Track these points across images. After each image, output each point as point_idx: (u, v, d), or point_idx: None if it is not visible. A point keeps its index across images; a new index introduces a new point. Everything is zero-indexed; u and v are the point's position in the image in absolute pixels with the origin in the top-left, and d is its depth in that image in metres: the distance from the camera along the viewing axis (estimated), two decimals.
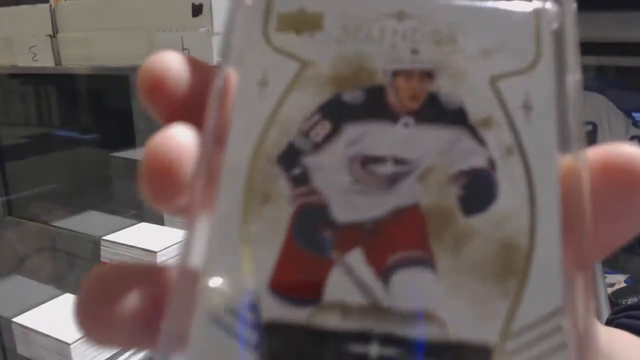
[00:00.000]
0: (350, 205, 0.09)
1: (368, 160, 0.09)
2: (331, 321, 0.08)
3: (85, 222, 0.71)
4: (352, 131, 0.09)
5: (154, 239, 0.62)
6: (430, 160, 0.09)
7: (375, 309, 0.08)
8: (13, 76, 0.89)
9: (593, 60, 1.43)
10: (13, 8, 0.82)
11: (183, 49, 0.70)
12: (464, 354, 0.08)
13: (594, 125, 1.39)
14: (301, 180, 0.09)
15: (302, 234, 0.09)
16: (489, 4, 0.10)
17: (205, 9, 0.69)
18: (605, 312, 0.64)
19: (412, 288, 0.09)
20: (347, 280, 0.09)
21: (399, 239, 0.09)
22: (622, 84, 1.41)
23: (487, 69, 0.10)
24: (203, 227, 0.09)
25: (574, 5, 0.10)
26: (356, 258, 0.09)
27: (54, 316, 0.54)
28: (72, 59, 0.77)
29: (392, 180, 0.09)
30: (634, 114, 1.37)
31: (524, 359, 0.08)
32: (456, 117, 0.09)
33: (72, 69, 0.78)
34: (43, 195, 0.80)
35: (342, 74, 0.10)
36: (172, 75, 0.10)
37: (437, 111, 0.09)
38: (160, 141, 0.09)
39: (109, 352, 0.54)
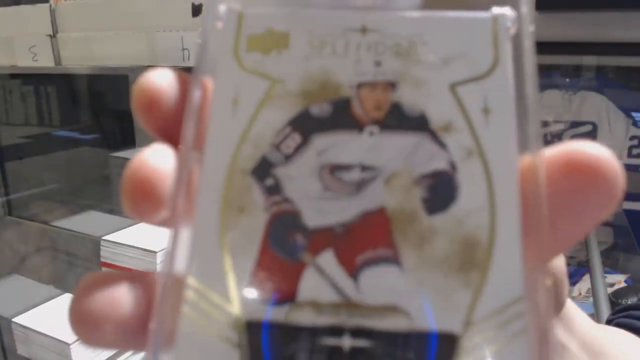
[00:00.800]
0: (321, 211, 0.10)
1: (336, 168, 0.10)
2: (306, 318, 0.09)
3: (85, 222, 0.71)
4: (320, 142, 0.10)
5: (154, 239, 0.62)
6: (394, 166, 0.10)
7: (347, 304, 0.09)
8: (13, 76, 0.89)
9: (593, 60, 1.43)
10: (13, 8, 0.82)
11: (183, 49, 0.70)
12: (428, 341, 0.09)
13: (594, 125, 1.39)
14: (274, 190, 0.10)
15: (277, 240, 0.09)
16: (448, 15, 0.10)
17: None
18: (606, 312, 0.64)
19: (379, 284, 0.09)
20: (320, 280, 0.09)
21: (367, 240, 0.09)
22: (622, 84, 1.41)
23: (447, 76, 0.10)
24: (184, 237, 0.10)
25: (531, 10, 0.10)
26: (328, 259, 0.09)
27: (54, 316, 0.54)
28: (72, 59, 0.77)
29: (360, 186, 0.10)
30: (634, 114, 1.37)
31: (486, 345, 0.09)
32: (418, 123, 0.10)
33: (72, 69, 0.78)
34: (43, 195, 0.80)
35: (310, 89, 0.10)
36: (163, 94, 0.10)
37: (400, 119, 0.10)
38: (139, 161, 0.10)
39: (109, 353, 0.54)
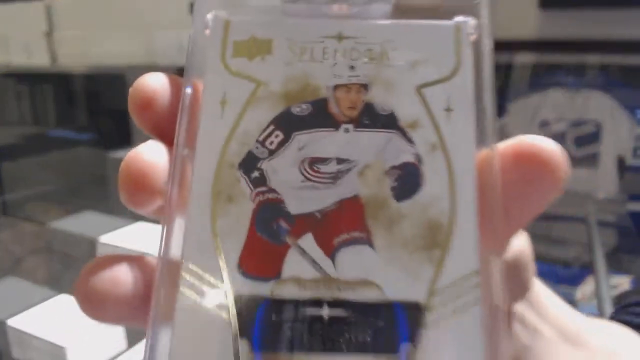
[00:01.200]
0: (302, 199, 0.11)
1: (315, 161, 0.11)
2: (290, 292, 0.10)
3: (82, 222, 0.70)
4: (301, 138, 0.11)
5: (151, 239, 0.61)
6: (367, 159, 0.11)
7: (325, 280, 0.10)
8: (8, 75, 0.88)
9: (596, 58, 1.41)
10: (7, 5, 0.81)
11: (180, 48, 0.69)
12: (397, 310, 0.10)
13: (598, 124, 1.37)
14: (260, 181, 0.11)
15: (263, 225, 0.11)
16: (415, 23, 0.12)
17: None
18: (609, 313, 0.64)
19: (354, 262, 0.10)
20: (301, 260, 0.10)
21: (343, 224, 0.11)
22: (626, 83, 1.40)
23: (413, 79, 0.11)
24: (179, 224, 0.11)
25: (490, 19, 0.12)
26: (308, 242, 0.11)
27: (50, 318, 0.53)
28: (68, 57, 0.76)
29: (336, 177, 0.11)
30: (639, 112, 1.36)
31: (447, 312, 0.10)
32: (388, 121, 0.11)
33: (68, 68, 0.77)
34: (38, 196, 0.79)
35: (291, 90, 0.11)
36: (157, 96, 0.11)
37: (372, 117, 0.11)
38: (133, 156, 0.11)
39: (106, 355, 0.54)
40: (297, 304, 0.10)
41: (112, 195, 0.79)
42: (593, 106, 1.40)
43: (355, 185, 0.11)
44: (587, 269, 0.92)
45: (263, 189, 0.11)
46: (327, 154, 0.11)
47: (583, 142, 1.40)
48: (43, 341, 0.51)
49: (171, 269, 0.10)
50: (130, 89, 0.11)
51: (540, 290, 0.19)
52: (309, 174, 0.11)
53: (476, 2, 0.12)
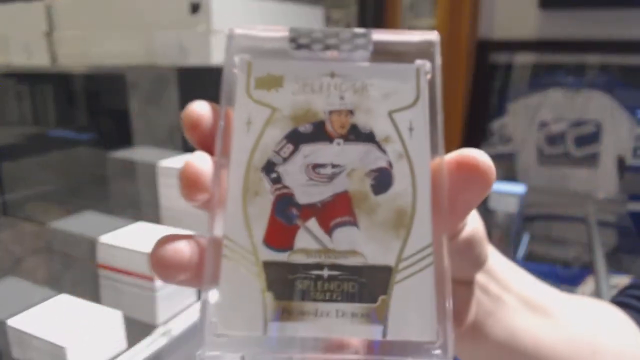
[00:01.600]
0: (307, 193, 0.15)
1: (316, 166, 0.15)
2: (300, 259, 0.15)
3: (82, 222, 0.70)
4: (306, 149, 0.15)
5: (151, 239, 0.61)
6: (353, 164, 0.15)
7: (325, 251, 0.15)
8: (8, 75, 0.88)
9: (597, 58, 1.41)
10: (7, 5, 0.81)
11: (181, 48, 0.69)
12: (375, 271, 0.14)
13: (598, 124, 1.37)
14: (277, 180, 0.15)
15: (280, 212, 0.15)
16: (387, 65, 0.16)
17: (203, 7, 0.68)
18: None
19: (345, 238, 0.15)
20: (308, 236, 0.15)
21: (336, 211, 0.15)
22: (626, 83, 1.39)
23: (386, 106, 0.16)
24: (220, 212, 0.15)
25: (440, 62, 0.16)
26: (312, 223, 0.15)
27: (50, 318, 0.53)
28: (68, 57, 0.76)
29: (331, 177, 0.15)
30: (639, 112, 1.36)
31: (409, 272, 0.14)
32: (368, 137, 0.16)
33: (68, 68, 0.77)
34: (38, 196, 0.79)
35: (297, 114, 0.16)
36: (202, 119, 0.15)
37: (357, 134, 0.16)
38: (189, 164, 0.15)
39: (106, 355, 0.54)
40: (305, 267, 0.14)
41: (112, 196, 0.79)
42: (593, 106, 1.40)
43: (345, 183, 0.15)
44: (587, 269, 0.92)
45: (279, 185, 0.15)
46: (325, 160, 0.15)
47: (583, 142, 1.40)
48: (43, 341, 0.51)
49: (216, 243, 0.14)
50: (183, 114, 0.16)
51: (505, 266, 0.23)
52: (312, 175, 0.15)
53: (431, 48, 0.16)
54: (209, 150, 0.15)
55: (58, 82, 0.85)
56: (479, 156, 0.15)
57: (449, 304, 0.14)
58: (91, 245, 0.61)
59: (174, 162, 0.68)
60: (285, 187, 0.15)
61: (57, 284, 0.64)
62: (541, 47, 1.46)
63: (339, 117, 0.15)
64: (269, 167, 0.15)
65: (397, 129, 0.15)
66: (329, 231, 0.15)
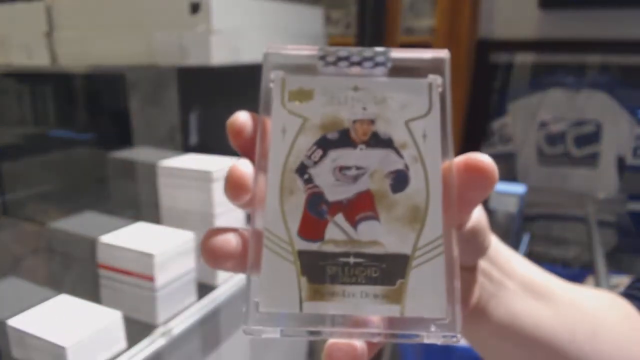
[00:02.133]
0: (335, 192, 0.17)
1: (342, 168, 0.17)
2: (329, 248, 0.17)
3: (82, 222, 0.70)
4: (333, 154, 0.18)
5: (152, 240, 0.61)
6: (374, 167, 0.17)
7: (351, 241, 0.17)
8: (8, 75, 0.88)
9: (597, 58, 1.41)
10: (8, 5, 0.81)
11: (181, 48, 0.69)
12: (394, 258, 0.16)
13: (598, 124, 1.37)
14: (309, 181, 0.17)
15: (312, 208, 0.17)
16: (403, 80, 0.18)
17: (203, 7, 0.68)
18: None
19: (368, 230, 0.17)
20: (336, 229, 0.17)
21: (360, 207, 0.17)
22: (626, 83, 1.39)
23: (403, 116, 0.18)
24: (260, 209, 0.17)
25: (449, 77, 0.18)
26: (340, 218, 0.17)
27: (50, 318, 0.53)
28: (68, 57, 0.76)
29: (356, 178, 0.17)
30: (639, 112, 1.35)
31: (423, 260, 0.16)
32: (387, 143, 0.18)
33: (68, 68, 0.77)
34: (39, 196, 0.79)
35: (326, 123, 0.18)
36: (243, 128, 0.18)
37: (377, 141, 0.18)
38: (234, 168, 0.17)
39: (106, 355, 0.54)
40: (334, 255, 0.17)
41: (112, 196, 0.79)
42: (593, 106, 1.40)
43: (367, 183, 0.17)
44: (587, 269, 0.92)
45: (311, 185, 0.17)
46: (350, 163, 0.17)
47: (583, 142, 1.40)
48: (43, 341, 0.51)
49: (257, 235, 0.17)
50: (228, 123, 0.18)
51: (508, 254, 0.24)
52: (338, 176, 0.17)
53: (442, 65, 0.18)
54: (249, 153, 0.18)
55: (58, 82, 0.85)
56: (484, 159, 0.17)
57: (457, 287, 0.16)
58: (91, 245, 0.61)
59: (174, 162, 0.68)
60: (316, 186, 0.17)
61: (57, 284, 0.64)
62: (541, 47, 1.46)
63: (362, 126, 0.18)
64: (301, 170, 0.17)
65: (412, 136, 0.18)
66: (354, 224, 0.17)
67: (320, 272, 0.16)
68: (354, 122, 0.18)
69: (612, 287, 0.82)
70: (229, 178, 0.17)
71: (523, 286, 0.24)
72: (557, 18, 1.41)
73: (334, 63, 0.18)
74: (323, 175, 0.17)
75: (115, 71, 0.73)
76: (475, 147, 1.50)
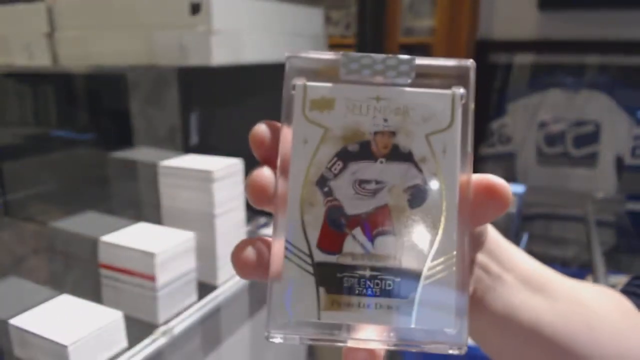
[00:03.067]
0: (354, 206, 0.18)
1: (362, 182, 0.18)
2: (347, 261, 0.17)
3: (83, 222, 0.70)
4: (353, 166, 0.18)
5: (153, 239, 0.61)
6: (394, 181, 0.18)
7: (368, 255, 0.17)
8: (9, 75, 0.88)
9: (596, 59, 1.42)
10: (9, 7, 0.81)
11: (181, 48, 0.69)
12: (407, 273, 0.17)
13: (597, 125, 1.38)
14: (329, 193, 0.18)
15: (331, 221, 0.18)
16: (426, 91, 0.18)
17: (203, 8, 0.68)
18: None
19: (385, 245, 0.17)
20: (354, 242, 0.17)
21: (378, 221, 0.18)
22: (625, 83, 1.39)
23: (424, 129, 0.18)
24: (282, 219, 0.18)
25: (474, 87, 0.18)
26: (358, 232, 0.18)
27: (52, 318, 0.53)
28: (69, 58, 0.76)
29: (374, 192, 0.18)
30: (639, 113, 1.36)
31: (435, 276, 0.17)
32: (407, 157, 0.18)
33: (69, 68, 0.77)
34: (40, 196, 0.79)
35: (347, 134, 0.18)
36: (265, 137, 0.18)
37: (397, 154, 0.18)
38: (256, 175, 0.18)
39: (107, 354, 0.54)
40: (351, 267, 0.17)
41: (113, 196, 0.79)
42: (592, 106, 1.40)
43: (386, 198, 0.18)
44: (586, 268, 0.93)
45: (330, 198, 0.18)
46: (369, 177, 0.18)
47: (582, 142, 1.40)
48: (45, 340, 0.51)
49: (278, 246, 0.17)
50: (250, 134, 0.18)
51: (506, 248, 0.25)
52: (358, 189, 0.18)
53: (467, 73, 0.18)
54: (271, 161, 0.18)
55: (59, 82, 0.85)
56: (500, 182, 0.18)
57: (466, 301, 0.17)
58: (92, 245, 0.61)
59: (175, 162, 0.68)
60: (335, 199, 0.18)
61: (59, 284, 0.65)
62: (540, 48, 1.46)
63: (383, 138, 0.18)
64: (322, 182, 0.18)
65: (432, 150, 0.18)
66: (371, 239, 0.18)
67: (337, 283, 0.17)
68: (375, 134, 0.18)
69: (610, 287, 0.82)
70: (251, 184, 0.18)
71: (521, 280, 0.24)
72: (556, 19, 1.42)
73: (357, 71, 0.18)
74: (343, 188, 0.18)
75: (116, 71, 0.73)
76: (475, 148, 1.50)
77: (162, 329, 0.60)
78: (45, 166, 0.82)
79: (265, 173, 0.18)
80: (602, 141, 1.38)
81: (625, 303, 0.29)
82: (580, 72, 1.44)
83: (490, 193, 0.18)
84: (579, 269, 1.00)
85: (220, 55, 0.70)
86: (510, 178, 1.43)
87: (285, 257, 0.17)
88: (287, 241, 0.17)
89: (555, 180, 1.41)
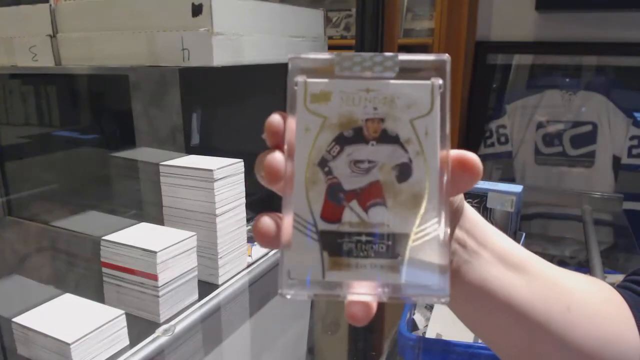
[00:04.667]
0: (350, 182, 0.20)
1: (356, 162, 0.21)
2: (346, 228, 0.20)
3: (86, 222, 0.71)
4: (349, 149, 0.21)
5: (154, 239, 0.62)
6: (383, 160, 0.20)
7: (363, 223, 0.20)
8: (13, 76, 0.88)
9: (593, 60, 1.43)
10: (13, 8, 0.82)
11: (183, 49, 0.70)
12: (397, 237, 0.20)
13: (594, 125, 1.39)
14: (329, 173, 0.20)
15: (332, 195, 0.20)
16: (408, 82, 0.21)
17: (205, 9, 0.69)
18: None
19: (377, 214, 0.20)
20: (351, 213, 0.20)
21: (371, 195, 0.20)
22: (622, 84, 1.40)
23: (408, 115, 0.21)
24: (289, 195, 0.20)
25: (450, 78, 0.21)
26: (354, 204, 0.20)
27: (54, 316, 0.53)
28: (72, 59, 0.77)
29: (367, 170, 0.20)
30: (635, 114, 1.37)
31: (421, 238, 0.20)
32: (394, 139, 0.21)
33: (72, 69, 0.78)
34: (43, 196, 0.79)
35: (342, 122, 0.21)
36: (281, 127, 0.21)
37: (386, 137, 0.21)
38: (270, 158, 0.21)
39: (109, 352, 0.54)
40: (350, 234, 0.20)
41: (115, 195, 0.79)
42: (589, 107, 1.41)
43: (377, 175, 0.20)
44: (583, 268, 0.93)
45: (330, 176, 0.20)
46: (363, 157, 0.20)
47: (579, 142, 1.41)
48: (48, 338, 0.51)
49: (288, 218, 0.20)
50: (266, 123, 0.21)
51: (485, 226, 0.27)
52: (353, 168, 0.20)
53: (443, 66, 0.21)
54: (280, 149, 0.21)
55: (62, 83, 0.86)
56: (472, 156, 0.21)
57: (448, 259, 0.20)
58: (95, 244, 0.61)
59: (176, 161, 0.69)
60: (334, 177, 0.20)
61: (62, 283, 0.65)
62: (538, 49, 1.47)
63: (373, 124, 0.21)
64: (322, 163, 0.20)
65: (416, 133, 0.20)
66: (365, 209, 0.20)
67: (338, 247, 0.20)
68: (366, 120, 0.21)
69: None
70: (267, 167, 0.20)
71: (498, 257, 0.26)
72: (553, 20, 1.43)
73: (349, 68, 0.21)
74: (340, 168, 0.20)
75: (118, 72, 0.74)
76: (474, 147, 1.51)
77: (163, 327, 0.60)
78: (47, 166, 0.82)
79: (277, 157, 0.20)
80: (599, 141, 1.39)
81: (613, 293, 0.30)
82: (577, 73, 1.45)
83: (463, 166, 0.21)
84: (576, 268, 1.00)
85: (222, 56, 0.71)
86: (509, 178, 1.44)
87: (294, 227, 0.20)
88: (295, 214, 0.20)
89: (553, 180, 1.42)
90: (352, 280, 0.20)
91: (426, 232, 0.20)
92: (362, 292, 0.20)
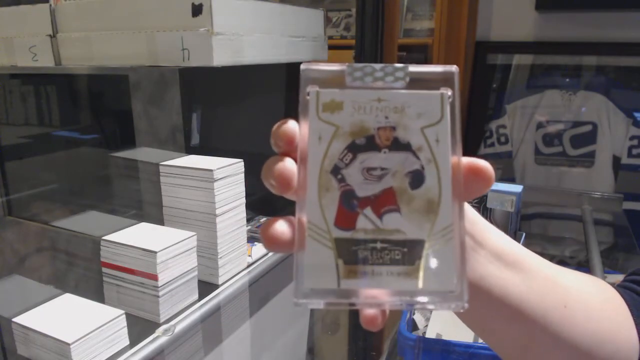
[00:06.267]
0: (364, 189, 0.20)
1: (369, 169, 0.21)
2: (360, 235, 0.20)
3: (85, 222, 0.71)
4: (361, 157, 0.21)
5: (154, 239, 0.62)
6: (396, 167, 0.21)
7: (377, 230, 0.20)
8: (13, 76, 0.88)
9: (593, 60, 1.43)
10: (13, 8, 0.82)
11: (183, 49, 0.70)
12: (413, 243, 0.20)
13: (594, 125, 1.39)
14: (342, 180, 0.21)
15: (345, 202, 0.20)
16: (419, 92, 0.21)
17: (205, 9, 0.69)
18: None
19: (391, 220, 0.20)
20: (365, 220, 0.20)
21: (385, 202, 0.20)
22: (622, 84, 1.40)
23: (419, 124, 0.21)
24: (302, 202, 0.20)
25: (459, 89, 0.22)
26: (368, 211, 0.20)
27: (54, 316, 0.53)
28: (72, 59, 0.77)
29: (380, 177, 0.21)
30: (635, 114, 1.37)
31: (436, 244, 0.20)
32: (406, 147, 0.21)
33: (72, 69, 0.78)
34: (43, 196, 0.79)
35: (354, 130, 0.21)
36: (296, 135, 0.21)
37: (398, 145, 0.21)
38: (281, 166, 0.21)
39: (109, 352, 0.54)
40: (364, 241, 0.20)
41: (115, 195, 0.79)
42: (589, 107, 1.41)
43: (390, 182, 0.21)
44: (583, 267, 0.93)
45: (343, 184, 0.20)
46: (375, 165, 0.21)
47: (579, 142, 1.41)
48: (48, 338, 0.51)
49: (301, 225, 0.20)
50: (279, 131, 0.21)
51: (483, 225, 0.27)
52: (366, 175, 0.21)
53: (452, 77, 0.21)
54: (292, 156, 0.21)
55: (62, 83, 0.86)
56: (483, 163, 0.22)
57: (465, 265, 0.20)
58: (95, 244, 0.61)
59: (176, 161, 0.69)
60: (348, 185, 0.20)
61: (62, 283, 0.65)
62: (538, 49, 1.47)
63: (385, 132, 0.21)
64: (335, 170, 0.21)
65: (427, 140, 0.21)
66: (380, 216, 0.20)
67: (353, 255, 0.20)
68: (378, 129, 0.21)
69: None
70: (279, 176, 0.20)
71: (494, 254, 0.26)
72: (553, 20, 1.43)
73: (361, 78, 0.21)
74: (353, 175, 0.20)
75: (118, 72, 0.74)
76: (474, 148, 1.51)
77: (163, 327, 0.60)
78: (47, 166, 0.82)
79: (288, 165, 0.21)
80: (599, 141, 1.39)
81: (611, 292, 0.30)
82: (577, 73, 1.45)
83: (476, 173, 0.22)
84: (576, 268, 1.00)
85: (222, 56, 0.71)
86: (508, 178, 1.44)
87: (308, 235, 0.20)
88: (308, 221, 0.20)
89: (552, 180, 1.42)
90: (368, 288, 0.19)
91: (443, 238, 0.20)
92: (379, 300, 0.19)
